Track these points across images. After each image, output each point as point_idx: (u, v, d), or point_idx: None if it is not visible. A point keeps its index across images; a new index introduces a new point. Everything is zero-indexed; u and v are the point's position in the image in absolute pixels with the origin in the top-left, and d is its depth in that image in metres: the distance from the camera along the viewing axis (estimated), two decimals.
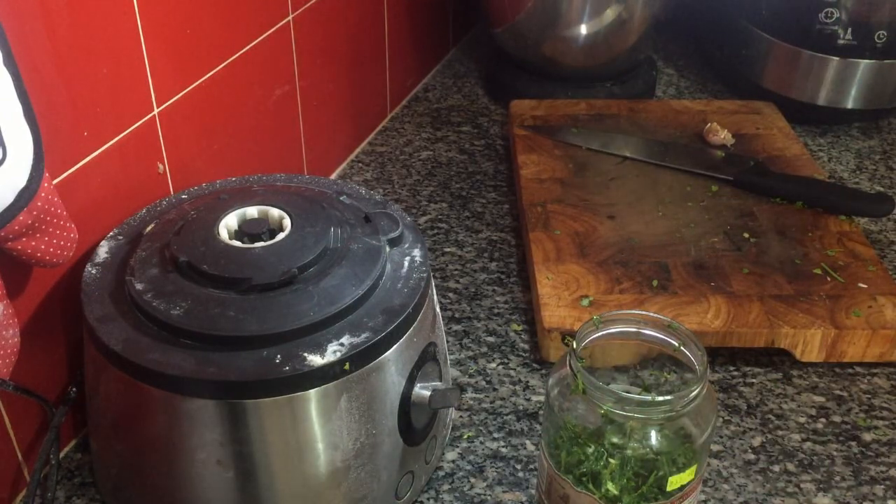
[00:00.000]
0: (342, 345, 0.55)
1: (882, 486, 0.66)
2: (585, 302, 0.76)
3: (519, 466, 0.67)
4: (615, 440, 0.53)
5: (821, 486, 0.66)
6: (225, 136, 0.80)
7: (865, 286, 0.78)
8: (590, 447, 0.54)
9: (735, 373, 0.76)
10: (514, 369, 0.76)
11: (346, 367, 0.55)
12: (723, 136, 1.00)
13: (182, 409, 0.55)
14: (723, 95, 1.21)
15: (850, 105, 1.09)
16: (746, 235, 0.85)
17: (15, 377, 0.58)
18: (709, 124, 1.02)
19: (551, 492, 0.58)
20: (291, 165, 0.93)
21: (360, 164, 1.06)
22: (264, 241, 0.61)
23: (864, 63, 1.05)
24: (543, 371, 0.76)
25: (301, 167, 0.95)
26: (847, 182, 1.03)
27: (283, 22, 0.85)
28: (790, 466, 0.67)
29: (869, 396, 0.74)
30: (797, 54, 1.08)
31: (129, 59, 0.66)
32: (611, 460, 0.53)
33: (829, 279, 0.79)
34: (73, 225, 0.59)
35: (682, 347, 0.56)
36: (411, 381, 0.60)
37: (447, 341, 0.76)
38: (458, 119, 1.15)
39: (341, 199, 0.68)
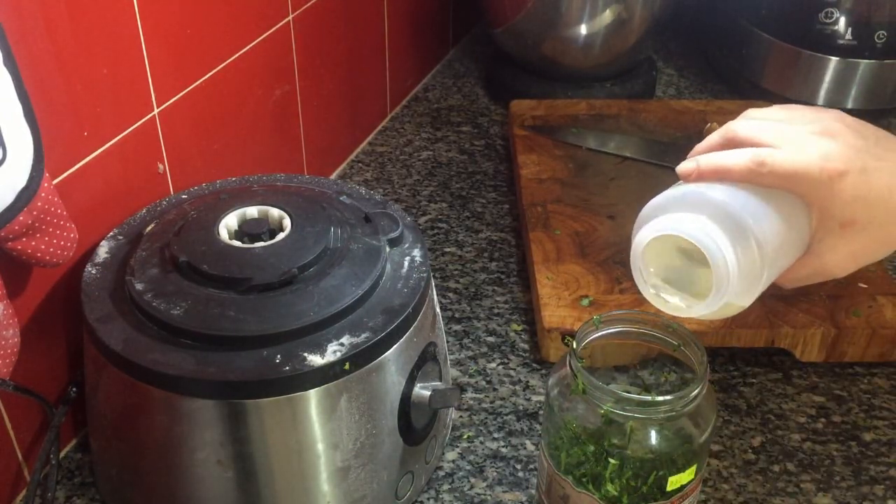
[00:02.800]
0: (342, 345, 0.55)
1: (882, 486, 0.66)
2: (585, 302, 0.76)
3: (519, 466, 0.67)
4: (615, 440, 0.53)
5: (821, 486, 0.66)
6: (225, 136, 0.80)
7: (865, 286, 0.78)
8: (590, 447, 0.54)
9: (735, 373, 0.76)
10: (514, 369, 0.76)
11: (346, 367, 0.55)
12: None
13: (182, 409, 0.55)
14: (723, 95, 1.21)
15: (850, 105, 1.09)
16: None
17: (15, 377, 0.58)
18: (709, 124, 1.01)
19: (551, 492, 0.58)
20: (291, 165, 0.93)
21: (360, 164, 1.06)
22: (264, 241, 0.61)
23: (864, 63, 1.05)
24: (543, 371, 0.76)
25: (301, 167, 0.95)
26: None
27: (283, 22, 0.85)
28: (790, 466, 0.67)
29: (869, 396, 0.74)
30: (797, 54, 1.08)
31: (129, 59, 0.66)
32: (611, 460, 0.53)
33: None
34: (73, 225, 0.59)
35: (682, 347, 0.56)
36: (411, 381, 0.60)
37: (447, 341, 0.76)
38: (458, 119, 1.15)
39: (341, 199, 0.68)
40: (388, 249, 0.63)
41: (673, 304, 0.53)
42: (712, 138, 0.56)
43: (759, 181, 0.51)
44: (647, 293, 0.54)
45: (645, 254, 0.53)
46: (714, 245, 0.49)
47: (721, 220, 0.50)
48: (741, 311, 0.53)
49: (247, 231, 0.62)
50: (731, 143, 0.55)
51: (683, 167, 0.55)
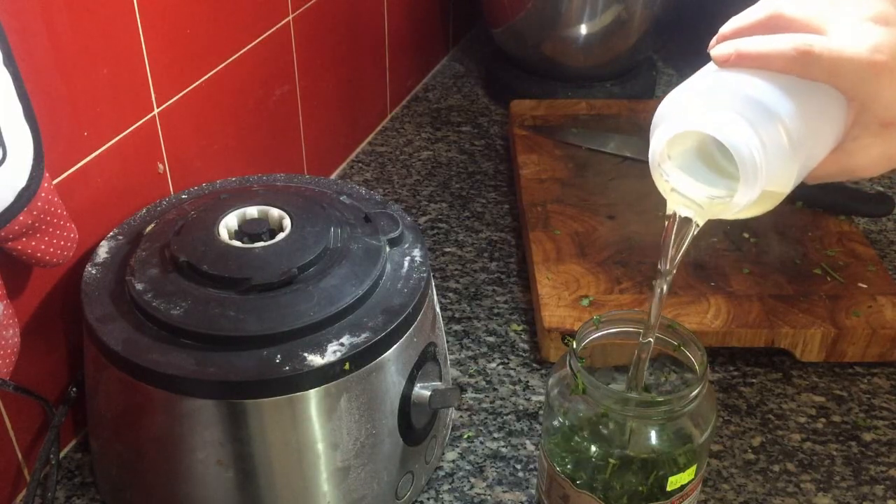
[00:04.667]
0: (342, 345, 0.55)
1: (882, 486, 0.66)
2: (585, 302, 0.76)
3: (519, 466, 0.67)
4: (615, 440, 0.53)
5: (821, 486, 0.66)
6: (225, 136, 0.80)
7: (865, 286, 0.78)
8: (590, 447, 0.54)
9: (735, 373, 0.76)
10: (514, 369, 0.76)
11: (346, 367, 0.55)
12: None
13: (182, 409, 0.55)
14: None
15: None
16: (746, 235, 0.85)
17: (15, 377, 0.58)
18: None
19: (551, 492, 0.58)
20: (291, 165, 0.93)
21: (360, 164, 1.06)
22: (264, 241, 0.61)
23: None
24: (543, 371, 0.76)
25: (301, 167, 0.95)
26: (847, 182, 1.03)
27: (283, 22, 0.85)
28: (790, 466, 0.67)
29: (869, 396, 0.74)
30: None
31: (129, 59, 0.66)
32: (611, 460, 0.53)
33: (828, 279, 0.79)
34: (73, 225, 0.59)
35: (682, 347, 0.56)
36: (411, 381, 0.60)
37: (447, 341, 0.76)
38: (458, 119, 1.15)
39: (341, 199, 0.68)
40: (388, 249, 0.63)
41: (698, 200, 0.48)
42: (754, 14, 0.49)
43: (802, 73, 0.46)
44: (673, 200, 0.49)
45: (666, 152, 0.47)
46: (745, 147, 0.45)
47: (752, 116, 0.45)
48: (781, 199, 0.49)
49: (247, 231, 0.62)
50: (774, 21, 0.48)
51: (720, 51, 0.49)
